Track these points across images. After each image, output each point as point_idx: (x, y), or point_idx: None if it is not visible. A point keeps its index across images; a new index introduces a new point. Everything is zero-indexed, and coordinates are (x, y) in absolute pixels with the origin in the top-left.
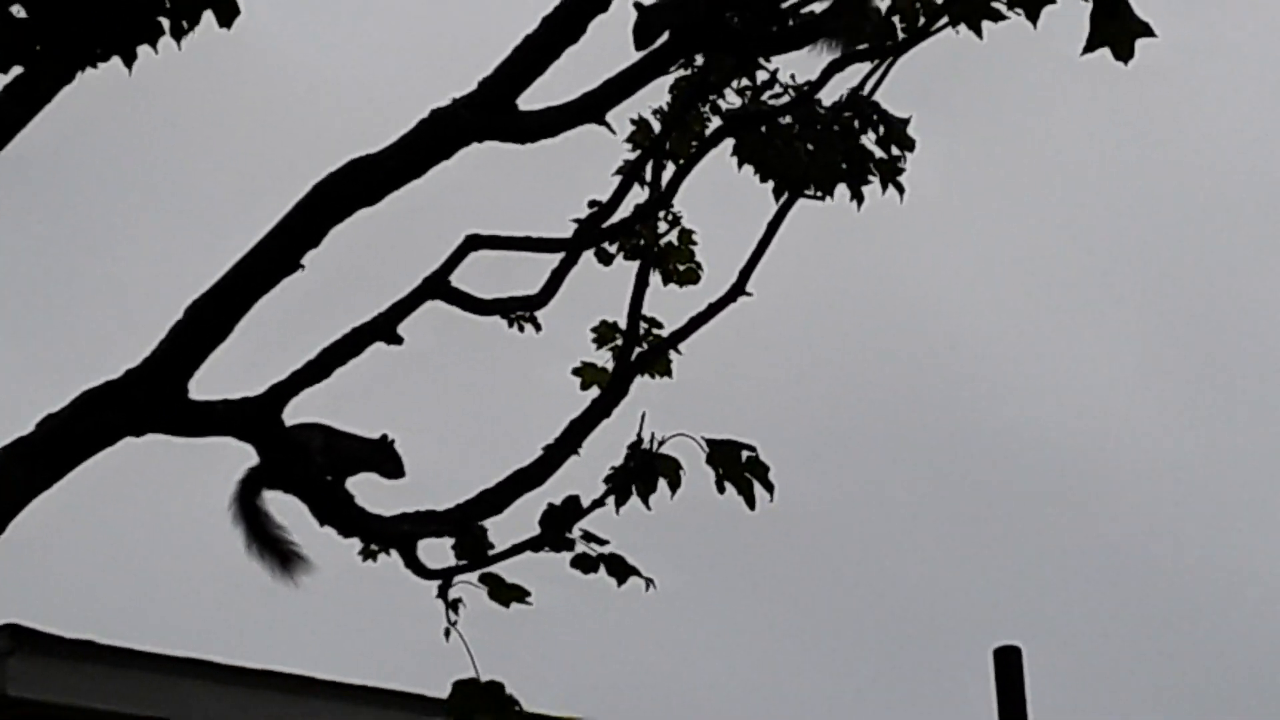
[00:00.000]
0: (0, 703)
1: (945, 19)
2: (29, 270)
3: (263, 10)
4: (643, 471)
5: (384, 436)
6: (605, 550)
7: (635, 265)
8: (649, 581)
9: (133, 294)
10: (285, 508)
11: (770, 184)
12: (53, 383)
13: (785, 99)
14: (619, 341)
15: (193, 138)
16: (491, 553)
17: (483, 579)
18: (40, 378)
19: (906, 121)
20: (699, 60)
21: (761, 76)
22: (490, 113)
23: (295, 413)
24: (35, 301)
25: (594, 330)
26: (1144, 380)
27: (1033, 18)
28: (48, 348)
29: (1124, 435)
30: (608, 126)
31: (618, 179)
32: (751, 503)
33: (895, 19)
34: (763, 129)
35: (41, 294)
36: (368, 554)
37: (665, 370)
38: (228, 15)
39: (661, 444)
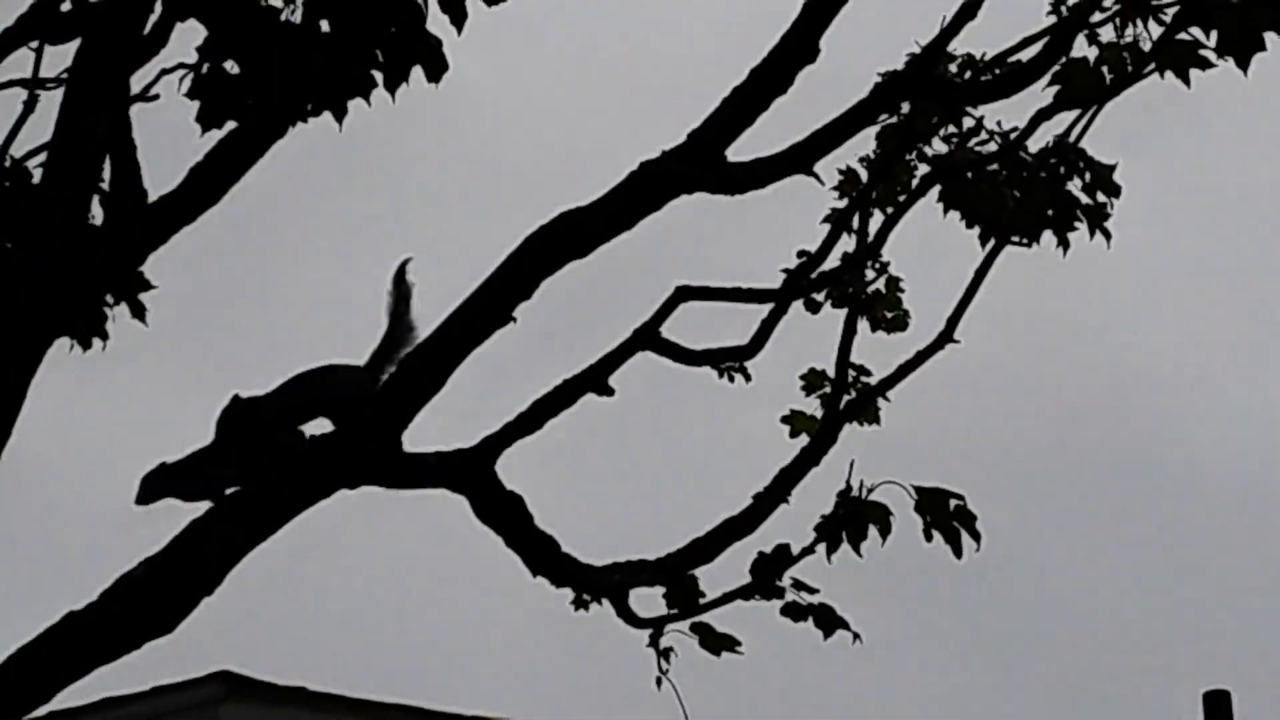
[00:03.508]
0: None
1: (1152, 66)
2: (235, 318)
3: (471, 63)
4: (853, 519)
5: None
6: (815, 600)
7: (843, 313)
8: (856, 635)
9: (342, 344)
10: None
11: (975, 229)
12: None
13: (991, 145)
14: (827, 389)
15: (401, 188)
16: (702, 601)
17: (694, 628)
18: None
19: (1112, 168)
20: (905, 107)
21: (967, 122)
22: (699, 164)
23: (507, 464)
24: (243, 352)
25: (802, 378)
26: None
27: (1243, 65)
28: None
29: None
30: (816, 177)
31: (825, 227)
32: (959, 551)
33: (1103, 68)
34: (969, 175)
35: (251, 344)
36: (580, 603)
37: (874, 418)
38: (437, 71)
39: (870, 491)
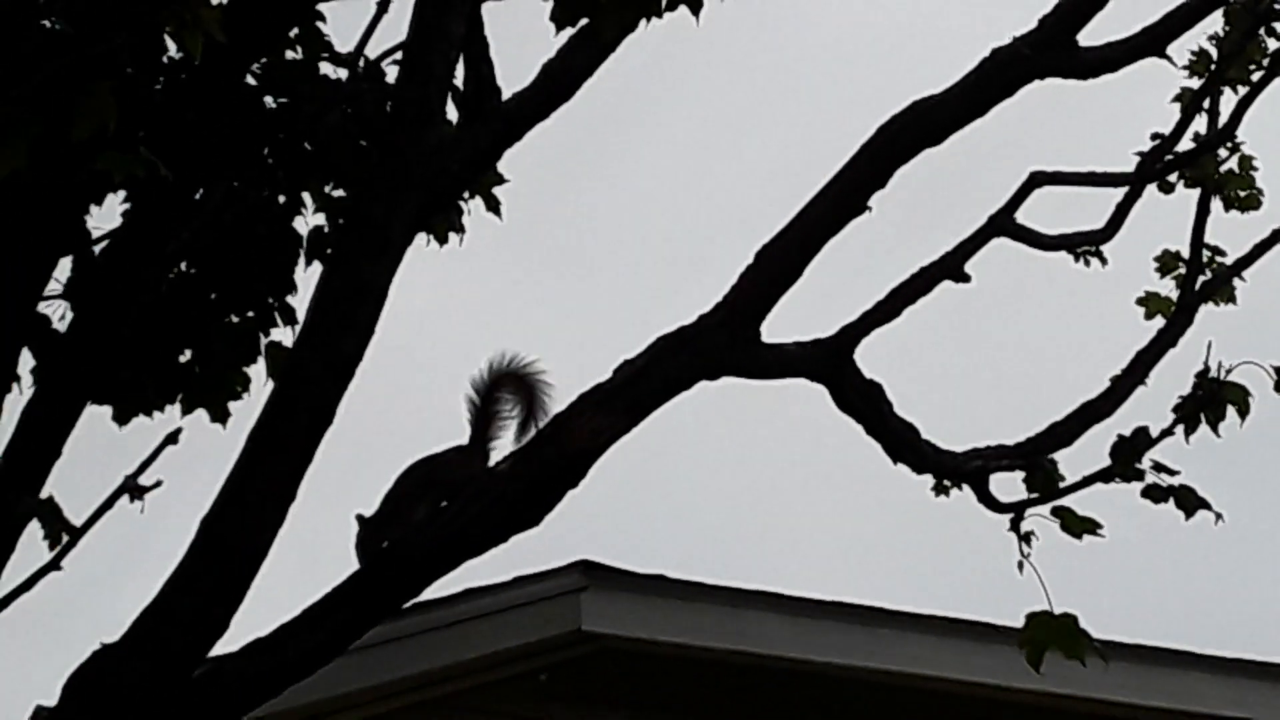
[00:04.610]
0: (575, 637)
1: None
2: (585, 211)
3: None
4: (1211, 400)
5: None
6: (1175, 481)
7: (1196, 194)
8: (1218, 515)
9: (691, 237)
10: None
11: None
12: (612, 327)
13: None
14: (1182, 270)
15: (751, 79)
16: (1062, 485)
17: (1055, 511)
18: (606, 323)
19: None
20: None
21: None
22: (1051, 50)
23: (866, 352)
24: (593, 245)
25: (1156, 259)
26: None
27: None
28: (602, 292)
29: None
30: (1169, 59)
31: (1176, 109)
32: None
33: None
34: None
35: (600, 237)
36: (940, 489)
37: (1230, 297)
38: None
39: (1229, 372)
